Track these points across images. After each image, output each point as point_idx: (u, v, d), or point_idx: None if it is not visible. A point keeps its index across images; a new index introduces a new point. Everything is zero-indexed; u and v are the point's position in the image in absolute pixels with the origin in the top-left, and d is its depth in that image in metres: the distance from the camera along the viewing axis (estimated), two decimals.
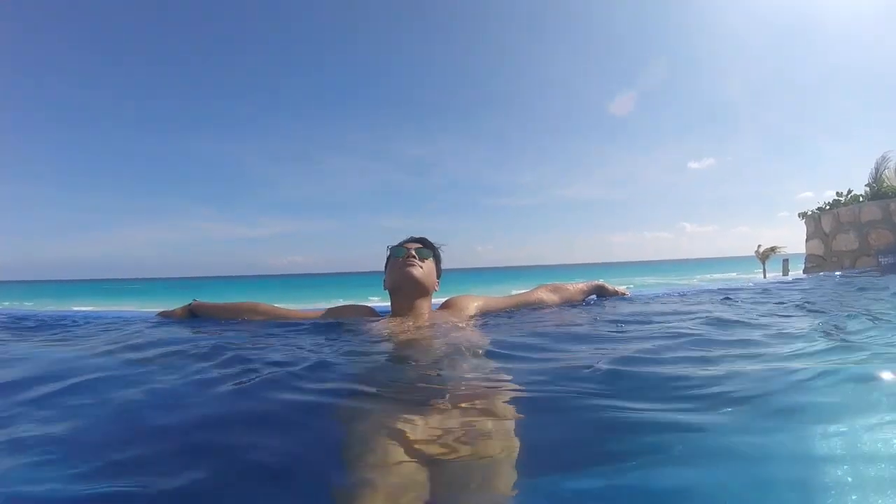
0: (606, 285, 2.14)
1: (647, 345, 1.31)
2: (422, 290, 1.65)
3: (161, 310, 2.01)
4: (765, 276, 14.75)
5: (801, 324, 1.72)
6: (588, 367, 1.09)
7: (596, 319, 1.74)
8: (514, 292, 1.99)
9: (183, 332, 1.73)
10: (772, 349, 1.29)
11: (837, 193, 7.91)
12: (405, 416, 0.91)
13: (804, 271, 7.78)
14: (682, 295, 2.51)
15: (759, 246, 15.68)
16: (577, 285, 2.05)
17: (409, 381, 1.15)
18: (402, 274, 1.63)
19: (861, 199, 7.51)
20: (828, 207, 7.84)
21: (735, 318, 1.72)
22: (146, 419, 0.98)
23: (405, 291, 1.65)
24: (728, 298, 2.22)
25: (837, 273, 4.37)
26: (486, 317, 1.73)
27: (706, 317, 1.70)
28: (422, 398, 1.01)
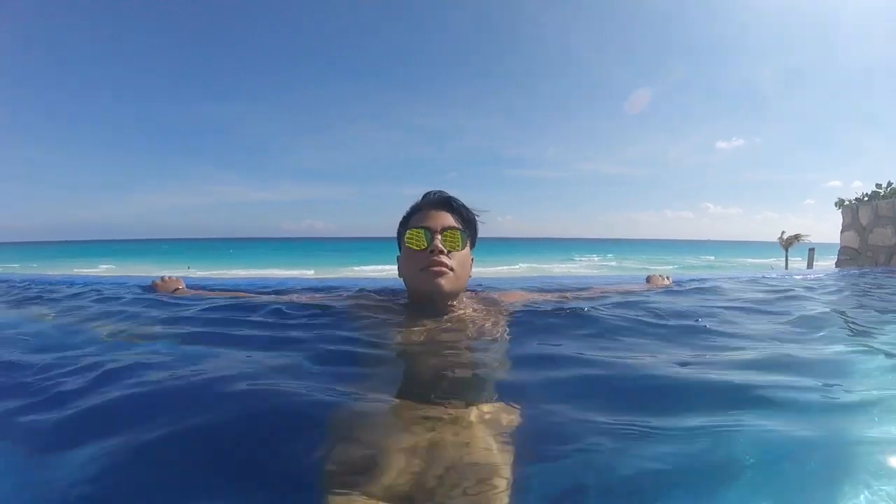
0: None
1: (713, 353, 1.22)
2: (452, 298, 1.31)
3: (159, 279, 1.93)
4: (787, 265, 14.33)
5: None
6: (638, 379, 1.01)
7: (661, 316, 1.55)
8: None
9: (170, 307, 1.67)
10: None
11: (877, 185, 7.52)
12: (394, 433, 0.79)
13: (836, 264, 7.47)
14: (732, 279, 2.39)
15: (783, 233, 15.22)
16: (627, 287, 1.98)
17: (410, 391, 1.00)
18: (425, 282, 1.23)
19: None
20: (866, 199, 7.46)
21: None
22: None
23: (428, 301, 1.30)
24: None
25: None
26: (530, 312, 1.45)
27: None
28: (420, 408, 0.87)
